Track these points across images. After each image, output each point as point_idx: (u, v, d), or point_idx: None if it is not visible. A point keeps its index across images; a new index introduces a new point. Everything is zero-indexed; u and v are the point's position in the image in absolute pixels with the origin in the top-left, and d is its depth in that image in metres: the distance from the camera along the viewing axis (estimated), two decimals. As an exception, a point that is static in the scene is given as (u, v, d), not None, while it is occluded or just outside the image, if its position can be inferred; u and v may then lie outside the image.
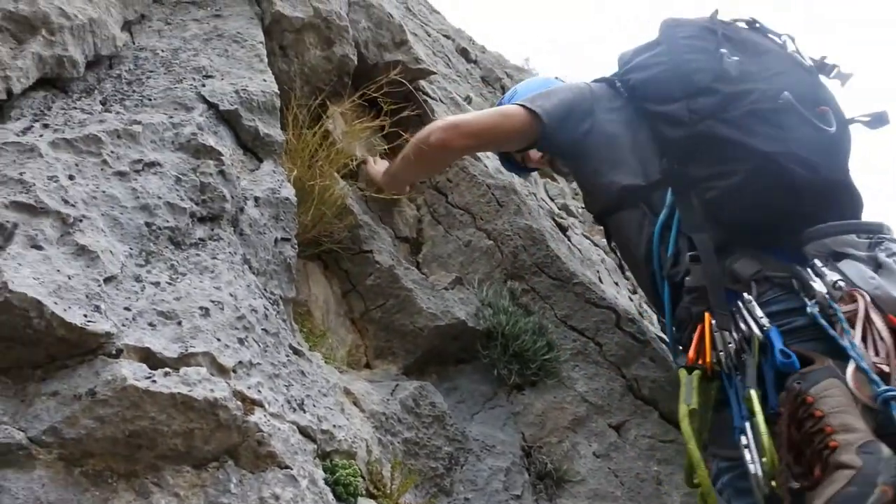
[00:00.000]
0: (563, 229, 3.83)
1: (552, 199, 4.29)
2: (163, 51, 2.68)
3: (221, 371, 1.71)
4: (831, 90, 2.77)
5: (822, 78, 2.79)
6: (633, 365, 3.14)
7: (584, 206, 3.96)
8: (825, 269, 2.31)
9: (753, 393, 2.14)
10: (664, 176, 2.72)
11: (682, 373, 2.40)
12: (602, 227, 3.26)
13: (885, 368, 2.05)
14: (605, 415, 3.00)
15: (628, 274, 4.35)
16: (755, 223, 2.52)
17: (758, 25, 2.90)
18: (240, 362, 1.78)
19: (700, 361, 2.37)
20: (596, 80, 3.10)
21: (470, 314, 2.96)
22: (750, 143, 2.49)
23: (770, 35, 2.87)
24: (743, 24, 2.91)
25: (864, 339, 2.12)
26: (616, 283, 3.92)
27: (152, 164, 2.09)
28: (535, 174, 4.28)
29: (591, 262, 3.76)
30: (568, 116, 2.91)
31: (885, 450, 1.83)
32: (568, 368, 3.08)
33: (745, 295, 2.38)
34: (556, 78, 3.55)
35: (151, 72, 2.54)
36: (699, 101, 2.62)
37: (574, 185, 4.84)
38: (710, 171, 2.56)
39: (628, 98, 2.92)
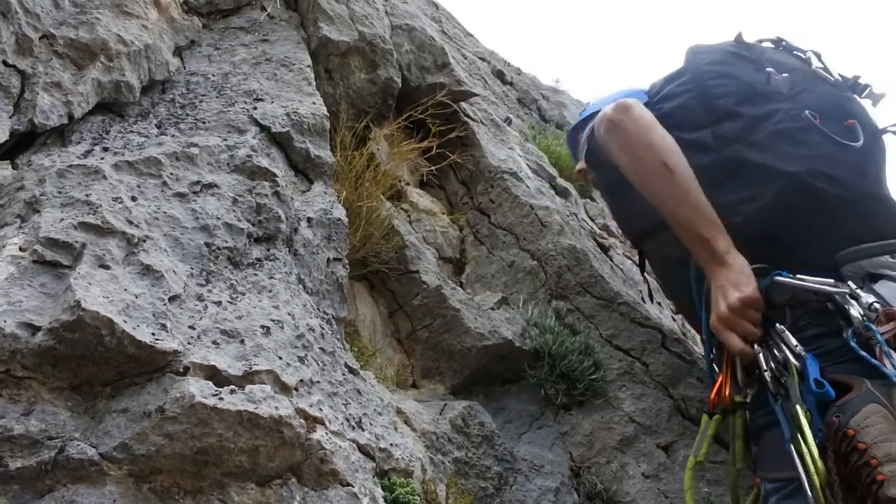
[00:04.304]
0: (605, 249, 3.82)
1: (592, 220, 4.28)
2: (213, 75, 2.74)
3: (284, 389, 1.73)
4: (861, 103, 2.75)
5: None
6: (681, 385, 3.11)
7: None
8: (860, 291, 2.26)
9: (799, 408, 2.09)
10: None
11: (704, 418, 2.42)
12: (638, 253, 3.26)
13: None
14: (654, 435, 2.97)
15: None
16: (788, 244, 2.46)
17: (783, 44, 2.90)
18: (301, 380, 1.80)
19: (723, 403, 2.39)
20: None
21: (516, 334, 2.96)
22: (775, 165, 2.46)
23: (795, 52, 2.86)
24: (769, 44, 2.91)
25: None
26: (659, 303, 3.89)
27: (210, 186, 2.12)
28: (574, 194, 4.29)
29: (634, 282, 3.74)
30: None
31: None
32: (615, 388, 3.06)
33: (777, 325, 2.34)
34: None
35: (204, 96, 2.59)
36: (724, 125, 2.60)
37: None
38: (737, 195, 2.50)
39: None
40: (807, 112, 2.50)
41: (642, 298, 3.60)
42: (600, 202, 4.74)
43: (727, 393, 2.39)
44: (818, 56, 2.82)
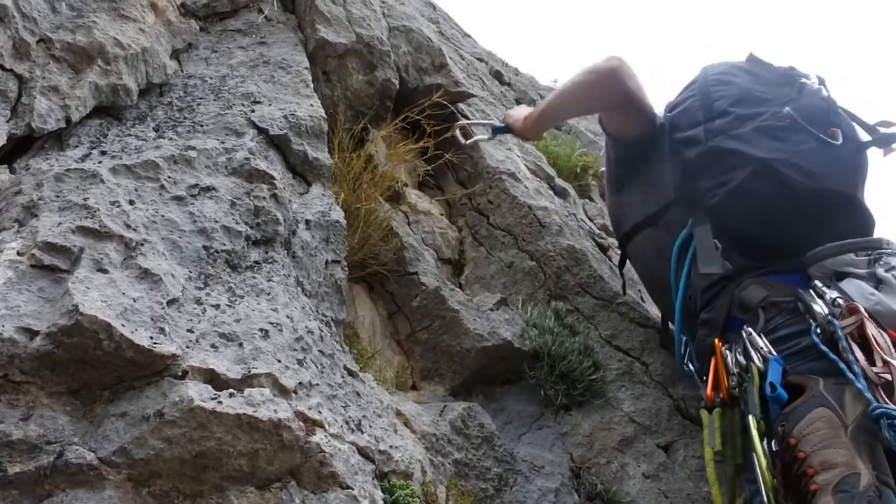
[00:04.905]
0: (604, 249, 3.81)
1: (591, 220, 4.27)
2: (211, 78, 2.73)
3: (283, 392, 1.72)
4: (849, 120, 2.85)
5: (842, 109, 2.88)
6: (680, 384, 3.11)
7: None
8: (825, 290, 2.37)
9: (751, 420, 2.17)
10: (677, 194, 2.88)
11: (704, 414, 2.44)
12: (621, 252, 3.41)
13: (888, 377, 2.09)
14: (654, 435, 2.98)
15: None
16: (754, 236, 2.62)
17: (792, 69, 3.05)
18: (300, 383, 1.80)
19: (720, 396, 2.41)
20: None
21: (516, 335, 2.95)
22: (749, 152, 2.63)
23: (800, 75, 3.00)
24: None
25: (864, 350, 2.16)
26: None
27: (208, 189, 2.12)
28: (573, 194, 4.28)
29: (633, 282, 3.73)
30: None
31: (864, 480, 1.88)
32: (614, 388, 3.06)
33: (745, 328, 2.44)
34: None
35: (201, 98, 2.59)
36: (716, 122, 2.80)
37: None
38: (714, 181, 2.69)
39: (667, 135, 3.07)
40: (788, 109, 2.66)
41: (642, 298, 3.60)
42: (598, 202, 4.74)
43: (725, 385, 2.41)
44: (822, 80, 2.95)
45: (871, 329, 2.18)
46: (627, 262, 3.36)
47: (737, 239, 2.66)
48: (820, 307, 2.31)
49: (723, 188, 2.65)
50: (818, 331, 2.27)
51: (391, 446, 2.06)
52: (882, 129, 2.78)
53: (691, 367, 2.81)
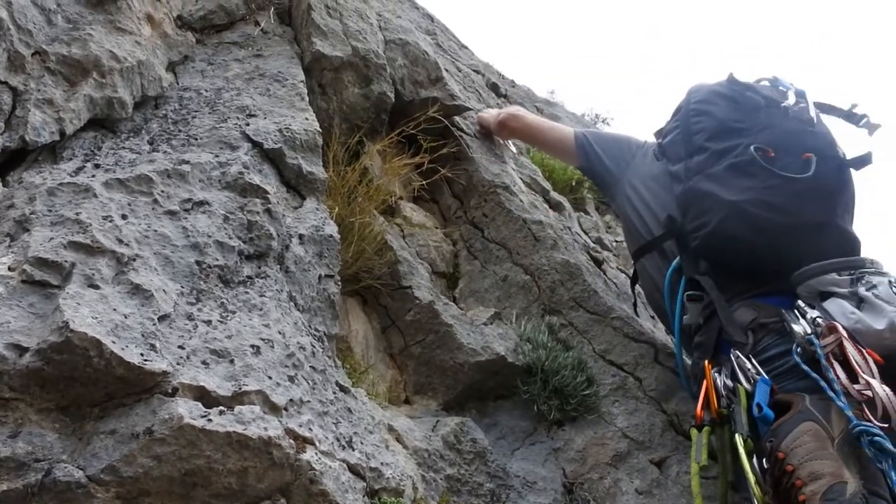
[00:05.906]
0: (599, 263, 3.81)
1: (586, 233, 4.28)
2: (206, 90, 2.74)
3: (273, 409, 1.72)
4: (830, 138, 2.88)
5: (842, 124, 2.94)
6: (674, 400, 3.10)
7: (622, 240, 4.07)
8: (808, 309, 2.42)
9: (738, 436, 2.22)
10: (667, 230, 2.93)
11: (693, 432, 2.47)
12: (633, 268, 3.44)
13: (869, 394, 2.10)
14: (647, 451, 2.96)
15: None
16: (740, 267, 2.68)
17: (777, 82, 3.09)
18: (291, 400, 1.79)
19: (710, 416, 2.44)
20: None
21: (509, 349, 2.95)
22: (721, 195, 2.69)
23: (780, 88, 3.04)
24: (765, 82, 3.12)
25: (847, 368, 2.19)
26: (652, 317, 3.90)
27: (201, 203, 2.12)
28: (568, 208, 4.29)
29: (628, 296, 3.73)
30: (605, 153, 3.38)
31: (850, 489, 1.92)
32: (608, 404, 3.05)
33: (733, 351, 2.50)
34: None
35: (196, 111, 2.59)
36: (694, 159, 2.87)
37: (607, 218, 4.87)
38: (695, 222, 2.75)
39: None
40: (752, 148, 2.71)
41: (636, 312, 3.60)
42: (594, 215, 4.75)
43: (715, 406, 2.44)
44: (802, 94, 2.98)
45: (850, 348, 2.21)
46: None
47: (723, 270, 2.72)
48: (800, 327, 2.36)
49: (701, 231, 2.72)
50: (799, 350, 2.32)
51: (382, 463, 2.05)
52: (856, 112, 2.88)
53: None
